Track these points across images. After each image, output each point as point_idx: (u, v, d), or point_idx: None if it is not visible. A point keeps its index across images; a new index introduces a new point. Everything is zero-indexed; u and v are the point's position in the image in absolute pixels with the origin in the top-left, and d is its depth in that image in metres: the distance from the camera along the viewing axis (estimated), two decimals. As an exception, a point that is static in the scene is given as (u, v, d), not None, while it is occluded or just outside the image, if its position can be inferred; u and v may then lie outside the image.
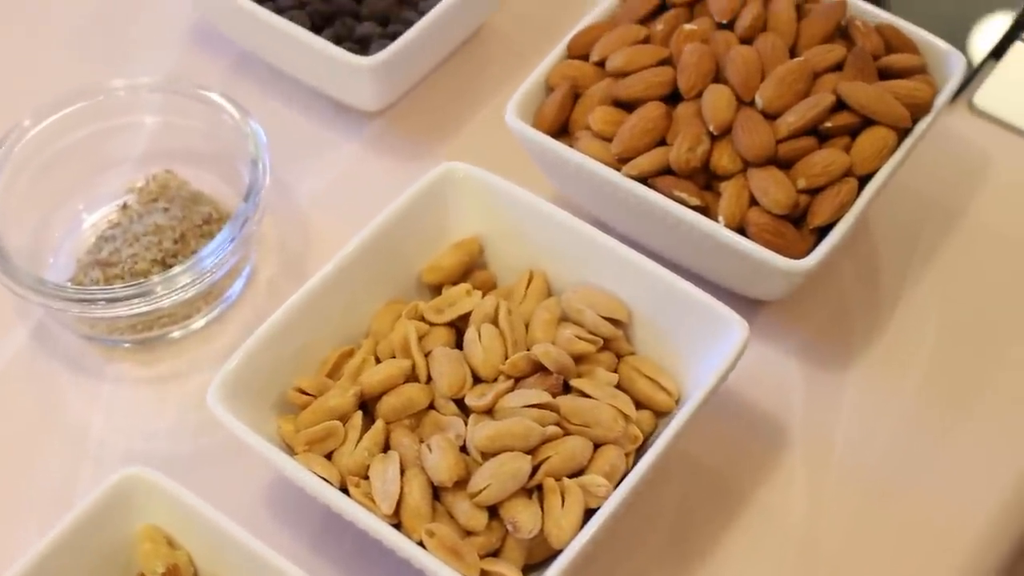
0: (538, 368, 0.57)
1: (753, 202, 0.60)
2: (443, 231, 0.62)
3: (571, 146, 0.63)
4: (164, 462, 0.59)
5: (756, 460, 0.61)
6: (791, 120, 0.61)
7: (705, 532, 0.59)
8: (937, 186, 0.69)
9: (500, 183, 0.61)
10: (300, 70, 0.72)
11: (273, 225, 0.69)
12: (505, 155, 0.65)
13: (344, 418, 0.56)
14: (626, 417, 0.56)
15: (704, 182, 0.61)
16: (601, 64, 0.65)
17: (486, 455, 0.54)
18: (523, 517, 0.53)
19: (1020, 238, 0.68)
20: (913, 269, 0.67)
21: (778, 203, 0.59)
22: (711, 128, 0.61)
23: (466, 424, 0.56)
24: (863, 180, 0.61)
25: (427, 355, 0.58)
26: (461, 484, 0.54)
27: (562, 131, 0.64)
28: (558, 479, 0.54)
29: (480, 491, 0.53)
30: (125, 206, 0.68)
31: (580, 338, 0.58)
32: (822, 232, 0.60)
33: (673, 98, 0.63)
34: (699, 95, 0.62)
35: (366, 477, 0.55)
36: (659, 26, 0.65)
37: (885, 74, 0.63)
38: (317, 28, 0.70)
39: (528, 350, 0.57)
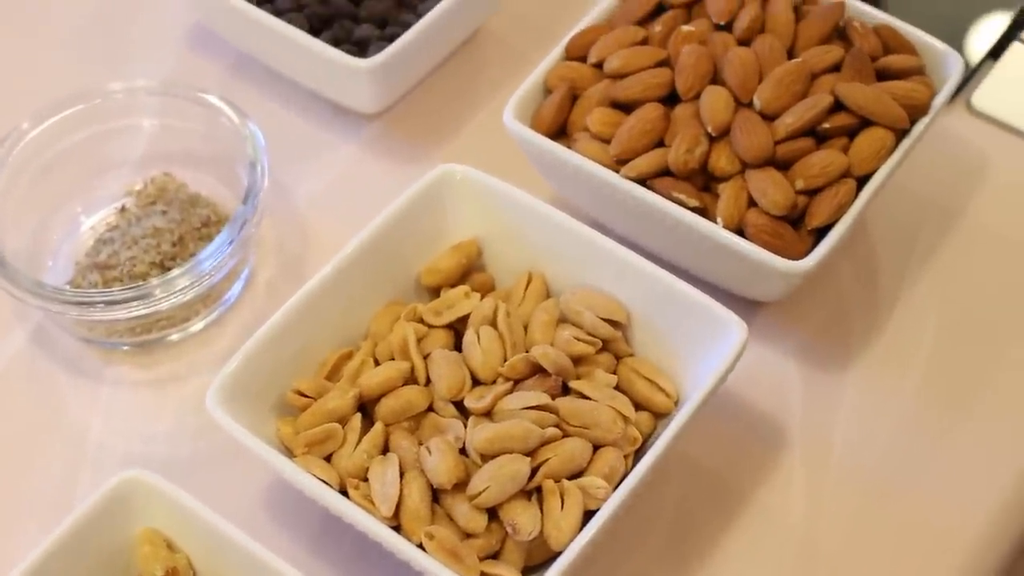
0: (537, 370, 0.57)
1: (751, 203, 0.60)
2: (441, 233, 0.62)
3: (569, 148, 0.63)
4: (163, 465, 0.59)
5: (755, 461, 0.61)
6: (789, 121, 0.61)
7: (704, 533, 0.59)
8: (935, 187, 0.69)
9: (498, 185, 0.61)
10: (298, 72, 0.72)
11: (271, 227, 0.69)
12: (503, 157, 0.65)
13: (343, 420, 0.56)
14: (625, 419, 0.56)
15: (702, 183, 0.61)
16: (599, 66, 0.65)
17: (485, 457, 0.54)
18: (522, 519, 0.53)
19: (1018, 238, 0.68)
20: (911, 270, 0.67)
21: (776, 204, 0.59)
22: (709, 129, 0.61)
23: (465, 426, 0.56)
24: (861, 181, 0.61)
25: (426, 357, 0.58)
26: (460, 486, 0.54)
27: (560, 133, 0.64)
28: (557, 481, 0.54)
29: (479, 493, 0.53)
30: (123, 209, 0.68)
31: (579, 340, 0.58)
32: (820, 233, 0.60)
33: (671, 99, 0.63)
34: (697, 96, 0.62)
35: (365, 479, 0.55)
36: (657, 27, 0.65)
37: (883, 75, 0.63)
38: (315, 30, 0.70)
39: (527, 352, 0.57)
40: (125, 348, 0.65)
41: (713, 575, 0.58)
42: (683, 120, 0.62)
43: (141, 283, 0.62)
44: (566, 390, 0.57)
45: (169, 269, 0.64)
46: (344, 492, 0.55)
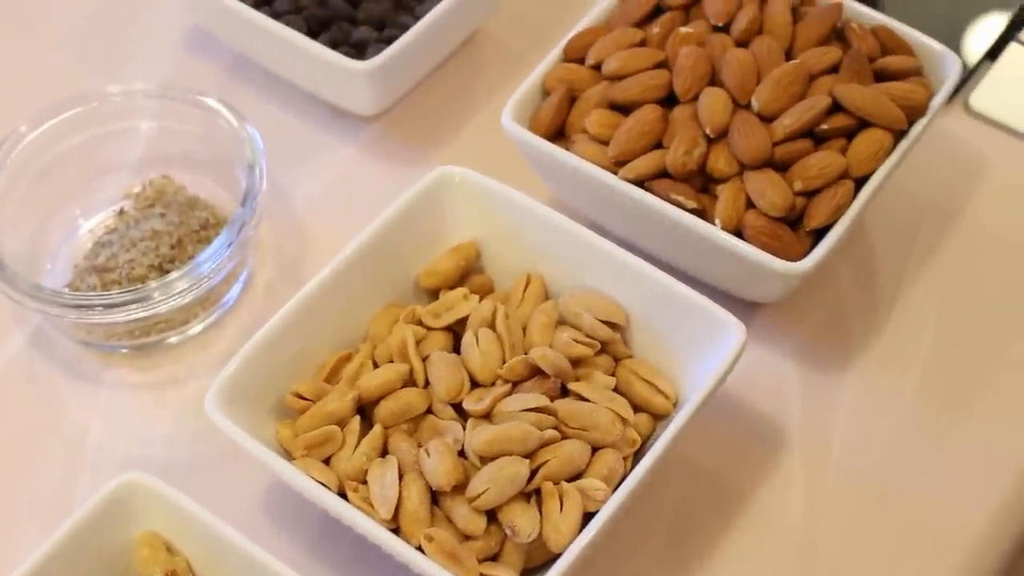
0: (536, 372, 0.57)
1: (750, 205, 0.60)
2: (440, 235, 0.62)
3: (567, 149, 0.63)
4: (162, 468, 0.59)
5: (754, 462, 0.61)
6: (787, 122, 0.61)
7: (704, 534, 0.59)
8: (933, 187, 0.69)
9: (497, 187, 0.61)
10: (296, 75, 0.72)
11: (270, 229, 0.69)
12: (501, 159, 0.65)
13: (342, 423, 0.56)
14: (624, 420, 0.56)
15: (700, 185, 0.61)
16: (597, 67, 0.65)
17: (484, 459, 0.54)
18: (521, 521, 0.53)
19: (1016, 239, 0.68)
20: (910, 270, 0.67)
21: (775, 205, 0.59)
22: (707, 131, 0.61)
23: (464, 428, 0.56)
24: (859, 182, 0.61)
25: (425, 359, 0.58)
26: (459, 488, 0.54)
27: (558, 134, 0.64)
28: (556, 483, 0.54)
29: (478, 495, 0.53)
30: (122, 212, 0.68)
31: (578, 341, 0.58)
32: (819, 234, 0.60)
33: (669, 101, 0.63)
34: (695, 98, 0.62)
35: (364, 482, 0.55)
36: (655, 29, 0.65)
37: (881, 76, 0.63)
38: (313, 33, 0.70)
39: (526, 354, 0.57)
40: (124, 351, 0.65)
41: (712, 576, 0.58)
42: (681, 122, 0.62)
43: (140, 286, 0.62)
44: (565, 392, 0.57)
45: (168, 272, 0.64)
46: (343, 494, 0.55)
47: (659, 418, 0.58)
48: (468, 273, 0.62)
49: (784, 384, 0.63)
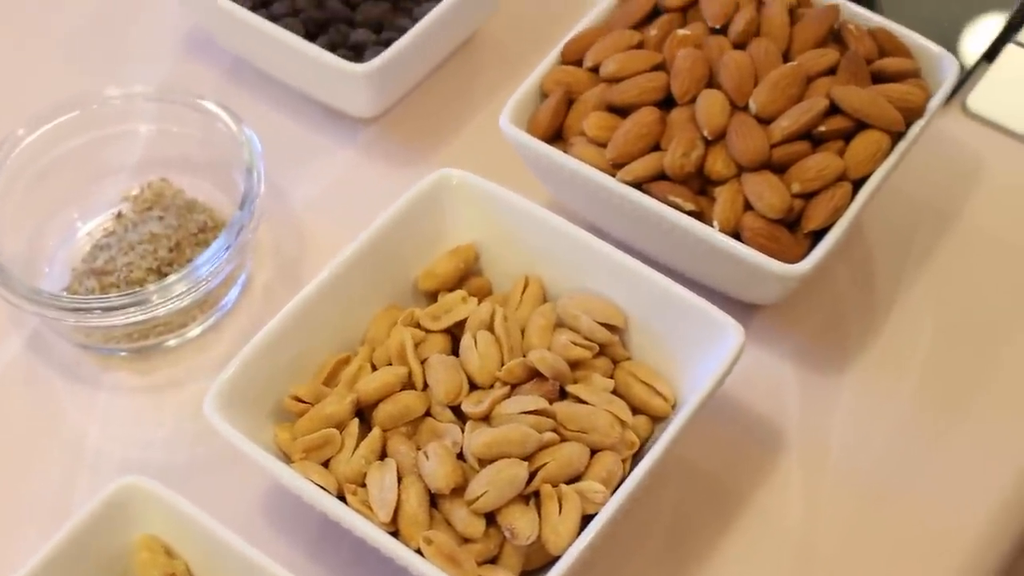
0: (534, 374, 0.57)
1: (747, 207, 0.60)
2: (438, 237, 0.62)
3: (565, 152, 0.63)
4: (161, 471, 0.59)
5: (752, 464, 0.61)
6: (785, 124, 0.61)
7: (702, 536, 0.59)
8: (931, 189, 0.69)
9: (495, 189, 0.61)
10: (294, 77, 0.72)
11: (268, 231, 0.69)
12: (499, 161, 0.65)
13: (341, 426, 0.56)
14: (622, 423, 0.56)
15: (698, 187, 0.61)
16: (595, 70, 0.65)
17: (483, 462, 0.54)
18: (520, 524, 0.53)
19: (1014, 240, 0.68)
20: (907, 272, 0.67)
21: (772, 207, 0.60)
22: (705, 133, 0.61)
23: (463, 431, 0.56)
24: (857, 184, 0.61)
25: (423, 362, 0.58)
26: (458, 491, 0.54)
27: (556, 137, 0.64)
28: (555, 485, 0.54)
29: (477, 498, 0.53)
30: (120, 214, 0.68)
31: (576, 344, 0.58)
32: (816, 236, 0.60)
33: (667, 103, 0.63)
34: (693, 100, 0.62)
35: (363, 485, 0.55)
36: (652, 31, 0.65)
37: (878, 78, 0.63)
38: (311, 35, 0.70)
39: (524, 356, 0.57)
40: (122, 354, 0.65)
41: (711, 578, 0.58)
42: (679, 124, 0.62)
43: (138, 289, 0.62)
44: (563, 394, 0.57)
45: (166, 275, 0.64)
46: (342, 497, 0.55)
47: (658, 420, 0.58)
48: (467, 275, 0.62)
49: (782, 386, 0.63)
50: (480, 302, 0.60)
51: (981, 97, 0.72)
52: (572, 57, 0.66)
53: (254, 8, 0.71)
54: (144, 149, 0.70)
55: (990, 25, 0.75)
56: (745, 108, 0.62)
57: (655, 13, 0.66)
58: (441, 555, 0.52)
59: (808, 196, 0.60)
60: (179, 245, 0.66)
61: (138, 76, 0.74)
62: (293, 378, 0.58)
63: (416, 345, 0.58)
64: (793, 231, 0.60)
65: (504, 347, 0.58)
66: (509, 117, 0.63)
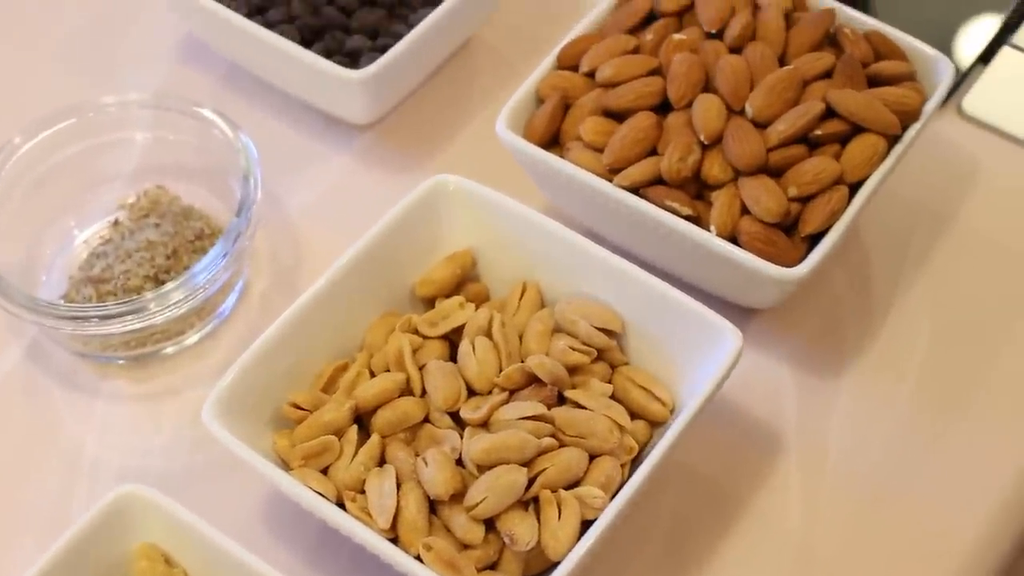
0: (532, 380, 0.57)
1: (744, 211, 0.60)
2: (436, 243, 0.62)
3: (562, 157, 0.63)
4: (159, 479, 0.59)
5: (751, 467, 0.61)
6: (781, 128, 0.61)
7: (702, 540, 0.59)
8: (927, 192, 0.69)
9: (492, 195, 0.61)
10: (290, 84, 0.72)
11: (265, 239, 0.69)
12: (496, 166, 0.65)
13: (339, 432, 0.56)
14: (621, 428, 0.56)
15: (695, 191, 0.61)
16: (591, 75, 0.65)
17: (482, 468, 0.54)
18: (520, 529, 0.53)
19: (1010, 242, 0.68)
20: (904, 275, 0.67)
21: (769, 211, 0.60)
22: (702, 137, 0.61)
23: (461, 437, 0.56)
24: (853, 187, 0.61)
25: (421, 368, 0.58)
26: (457, 497, 0.54)
27: (553, 142, 0.64)
28: (554, 491, 0.54)
29: (476, 504, 0.53)
30: (117, 222, 0.68)
31: (574, 349, 0.58)
32: (813, 240, 0.60)
33: (663, 108, 0.63)
34: (689, 105, 0.62)
35: (362, 491, 0.55)
36: (648, 36, 0.65)
37: (874, 81, 0.63)
38: (307, 42, 0.70)
39: (522, 362, 0.57)
40: (120, 362, 0.65)
41: (711, 582, 0.58)
42: (675, 128, 0.62)
43: (135, 297, 0.62)
44: (562, 400, 0.57)
45: (163, 282, 0.64)
46: (341, 504, 0.55)
47: (656, 425, 0.58)
48: (464, 281, 0.62)
49: (780, 389, 0.63)
50: (478, 308, 0.60)
51: (977, 100, 0.72)
52: (568, 62, 0.66)
53: (250, 15, 0.71)
54: (140, 156, 0.70)
55: (985, 27, 0.75)
56: (741, 112, 0.62)
57: (651, 18, 0.66)
58: (441, 561, 0.52)
59: (805, 200, 0.60)
60: (176, 252, 0.66)
61: (134, 83, 0.74)
62: (291, 385, 0.58)
63: (414, 351, 0.58)
64: (790, 235, 0.61)
65: (502, 353, 0.58)
66: (505, 122, 0.63)
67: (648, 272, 0.59)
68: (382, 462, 0.56)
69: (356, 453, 0.56)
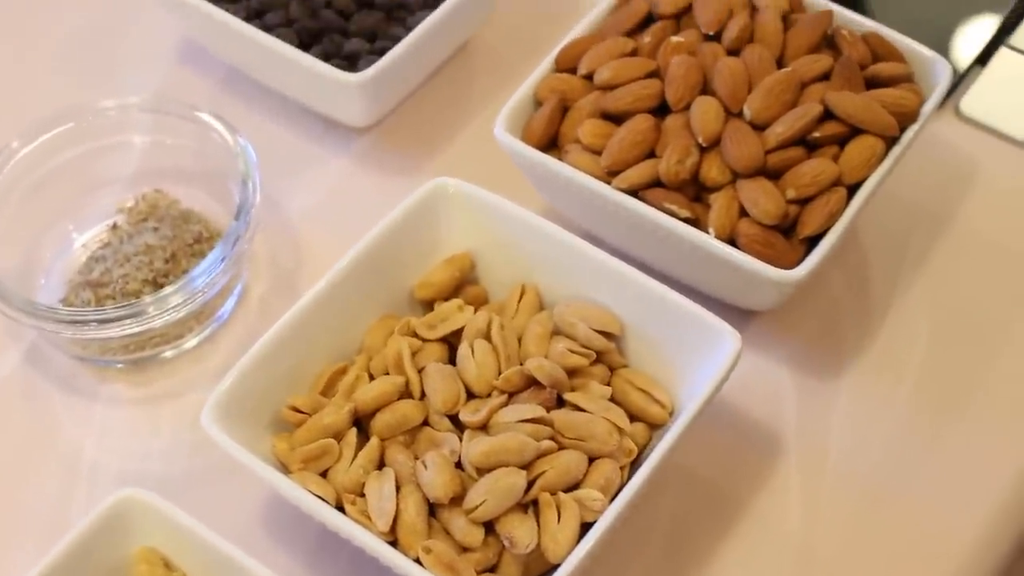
0: (531, 382, 0.57)
1: (743, 213, 0.60)
2: (434, 246, 0.62)
3: (560, 159, 0.63)
4: (158, 483, 0.59)
5: (751, 469, 0.61)
6: (779, 131, 0.61)
7: (701, 542, 0.59)
8: (925, 193, 0.69)
9: (491, 197, 0.61)
10: (288, 87, 0.72)
11: (263, 242, 0.69)
12: (494, 169, 0.65)
13: (339, 436, 0.56)
14: (620, 430, 0.56)
15: (694, 194, 0.62)
16: (589, 77, 0.65)
17: (481, 471, 0.54)
18: (519, 532, 0.53)
19: (1009, 243, 0.68)
20: (903, 276, 0.67)
21: (768, 214, 0.60)
22: (700, 140, 0.61)
23: (461, 440, 0.56)
24: (852, 189, 0.61)
25: (420, 371, 0.58)
26: (457, 500, 0.54)
27: (551, 144, 0.64)
28: (553, 493, 0.54)
29: (476, 507, 0.53)
30: (115, 226, 0.68)
31: (573, 352, 0.58)
32: (812, 242, 0.60)
33: (661, 110, 0.63)
34: (687, 107, 0.62)
35: (362, 494, 0.55)
36: (646, 39, 0.65)
37: (872, 83, 0.63)
38: (305, 45, 0.70)
39: (521, 365, 0.57)
40: (119, 366, 0.65)
41: (710, 584, 0.58)
42: (674, 131, 0.62)
43: (134, 300, 0.62)
44: (561, 402, 0.57)
45: (162, 286, 0.64)
46: (340, 508, 0.55)
47: (655, 427, 0.58)
48: (463, 284, 0.62)
49: (779, 391, 0.63)
50: (476, 311, 0.60)
51: (974, 101, 0.72)
52: (566, 65, 0.66)
53: (248, 19, 0.71)
54: (139, 160, 0.70)
55: (982, 28, 0.75)
56: (739, 114, 0.62)
57: (649, 20, 0.66)
58: (440, 564, 0.52)
59: (803, 202, 0.60)
60: (175, 256, 0.66)
61: (132, 87, 0.74)
62: (290, 388, 0.58)
63: (413, 354, 0.58)
64: (788, 237, 0.61)
65: (501, 356, 0.58)
66: (504, 125, 0.63)
67: (647, 274, 0.59)
68: (381, 465, 0.56)
69: (355, 456, 0.56)
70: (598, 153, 0.62)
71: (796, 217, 0.60)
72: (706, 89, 0.63)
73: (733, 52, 0.64)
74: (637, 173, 0.61)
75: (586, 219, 0.66)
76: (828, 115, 0.62)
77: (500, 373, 0.57)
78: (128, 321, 0.61)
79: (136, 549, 0.54)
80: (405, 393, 0.57)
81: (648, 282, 0.58)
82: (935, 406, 0.63)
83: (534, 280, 0.61)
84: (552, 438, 0.55)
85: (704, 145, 0.61)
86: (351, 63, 0.70)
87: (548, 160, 0.62)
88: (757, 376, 0.63)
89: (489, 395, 0.57)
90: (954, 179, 0.70)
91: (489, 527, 0.54)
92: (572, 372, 0.57)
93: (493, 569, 0.54)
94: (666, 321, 0.58)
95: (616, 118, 0.63)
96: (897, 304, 0.66)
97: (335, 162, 0.72)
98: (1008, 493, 0.60)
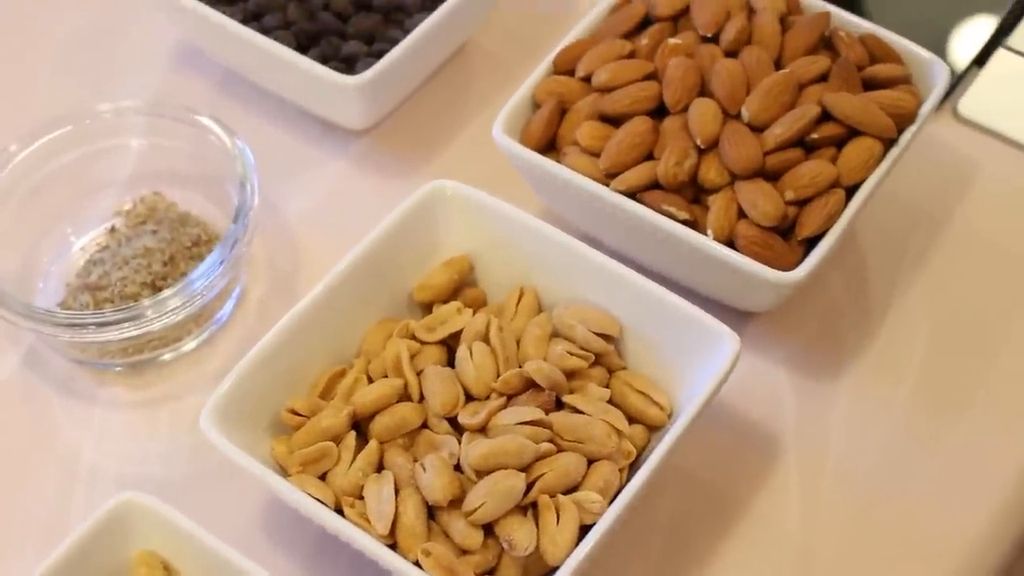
0: (530, 385, 0.57)
1: (741, 215, 0.60)
2: (433, 249, 0.62)
3: (559, 162, 0.63)
4: (157, 486, 0.59)
5: (750, 471, 0.61)
6: (777, 132, 0.61)
7: (701, 544, 0.59)
8: (923, 194, 0.69)
9: (489, 200, 0.61)
10: (286, 89, 0.72)
11: (262, 245, 0.69)
12: (492, 171, 0.66)
13: (337, 438, 0.56)
14: (619, 432, 0.56)
15: (692, 196, 0.62)
16: (587, 79, 0.65)
17: (480, 473, 0.54)
18: (518, 535, 0.53)
19: (1007, 244, 0.68)
20: (902, 277, 0.67)
21: (766, 215, 0.60)
22: (698, 142, 0.61)
23: (459, 442, 0.56)
24: (850, 190, 0.61)
25: (419, 374, 0.58)
26: (456, 503, 0.54)
27: (549, 147, 0.64)
28: (553, 496, 0.54)
29: (475, 509, 0.53)
30: (113, 229, 0.68)
31: (572, 354, 0.58)
32: (810, 243, 0.60)
33: (659, 112, 0.63)
34: (685, 109, 0.62)
35: (361, 497, 0.55)
36: (644, 41, 0.65)
37: (870, 84, 0.63)
38: (303, 48, 0.70)
39: (520, 367, 0.57)
40: (117, 369, 0.65)
41: (710, 586, 0.58)
42: (672, 133, 0.62)
43: (132, 304, 0.62)
44: (559, 405, 0.57)
45: (160, 289, 0.64)
46: (340, 510, 0.55)
47: (654, 429, 0.58)
48: (461, 287, 0.62)
49: (778, 392, 0.63)
50: (475, 313, 0.60)
51: (972, 102, 0.72)
52: (564, 67, 0.66)
53: (245, 21, 0.71)
54: (137, 163, 0.70)
55: (980, 29, 0.75)
56: (737, 116, 0.62)
57: (646, 22, 0.67)
58: (440, 567, 0.52)
59: (801, 203, 0.60)
60: (173, 259, 0.66)
61: (129, 90, 0.74)
62: (289, 391, 0.58)
63: (412, 357, 0.58)
64: (787, 238, 0.61)
65: (500, 358, 0.58)
66: (502, 127, 0.63)
67: (645, 276, 0.59)
68: (380, 468, 0.56)
69: (354, 459, 0.56)
70: (596, 155, 0.62)
71: (795, 218, 0.60)
72: (704, 91, 0.63)
73: (731, 54, 0.64)
74: (635, 175, 0.61)
75: (584, 221, 0.66)
76: (826, 116, 0.62)
77: (499, 375, 0.57)
78: (126, 324, 0.61)
79: (135, 552, 0.54)
80: (404, 396, 0.57)
81: (647, 284, 0.58)
82: (934, 407, 0.63)
83: (533, 282, 0.61)
84: (551, 440, 0.55)
85: (702, 147, 0.61)
86: (349, 66, 0.70)
87: (546, 162, 0.62)
88: (756, 377, 0.63)
89: (488, 397, 0.57)
90: (952, 180, 0.70)
91: (488, 529, 0.54)
92: (571, 374, 0.57)
93: (492, 571, 0.54)
94: (665, 323, 0.58)
95: (614, 120, 0.63)
96: (896, 305, 0.66)
97: (333, 164, 0.72)
98: (1008, 493, 0.60)
